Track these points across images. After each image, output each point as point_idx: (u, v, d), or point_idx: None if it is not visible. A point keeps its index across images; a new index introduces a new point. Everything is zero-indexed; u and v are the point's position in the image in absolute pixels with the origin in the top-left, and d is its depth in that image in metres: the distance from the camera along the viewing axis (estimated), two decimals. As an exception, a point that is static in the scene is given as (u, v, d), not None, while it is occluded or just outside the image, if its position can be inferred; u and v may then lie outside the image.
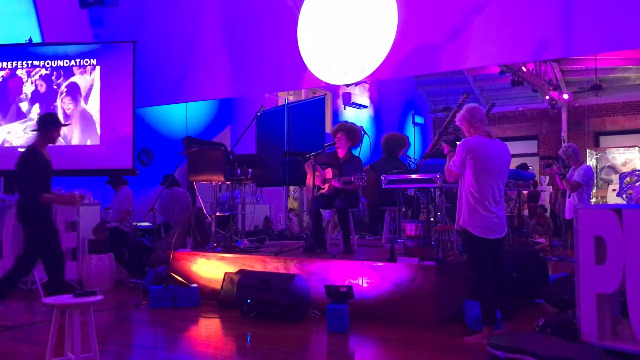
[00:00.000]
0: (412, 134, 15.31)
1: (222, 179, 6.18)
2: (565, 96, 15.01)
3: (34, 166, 5.00)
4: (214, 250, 6.09)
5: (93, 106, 6.95)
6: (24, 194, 5.05)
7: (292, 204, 11.13)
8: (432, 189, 5.39)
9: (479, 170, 4.05)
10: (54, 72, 7.01)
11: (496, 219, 4.08)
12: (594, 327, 3.68)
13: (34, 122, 6.93)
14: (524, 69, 12.92)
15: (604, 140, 15.56)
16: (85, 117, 6.96)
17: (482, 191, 4.05)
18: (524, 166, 9.36)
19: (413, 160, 6.73)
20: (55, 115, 5.26)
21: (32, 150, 5.04)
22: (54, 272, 5.09)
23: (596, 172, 13.55)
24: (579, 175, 6.39)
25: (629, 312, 3.56)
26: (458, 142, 4.23)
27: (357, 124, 6.54)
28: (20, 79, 6.99)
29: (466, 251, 4.33)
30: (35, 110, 6.96)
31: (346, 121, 7.06)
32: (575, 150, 6.65)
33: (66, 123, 5.31)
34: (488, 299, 4.12)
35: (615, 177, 12.99)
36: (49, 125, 5.07)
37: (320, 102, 8.77)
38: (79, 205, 5.51)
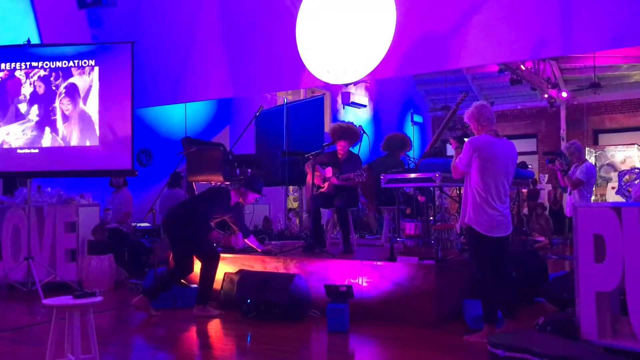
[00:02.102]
0: (411, 133, 15.30)
1: (221, 179, 6.18)
2: (564, 94, 15.00)
3: (222, 206, 5.50)
4: (214, 250, 6.09)
5: (92, 107, 6.94)
6: (199, 218, 5.35)
7: (292, 203, 11.13)
8: (432, 188, 5.39)
9: (484, 169, 4.05)
10: (53, 73, 6.99)
11: (501, 217, 4.09)
12: (594, 325, 3.68)
13: (33, 123, 6.95)
14: (522, 67, 12.92)
15: (602, 138, 15.55)
16: (84, 118, 6.95)
17: (488, 189, 4.05)
18: (522, 164, 9.33)
19: (412, 159, 6.72)
20: (260, 182, 5.74)
21: (228, 194, 5.54)
22: (167, 283, 5.41)
23: (595, 170, 13.55)
24: (581, 172, 6.39)
25: (629, 310, 3.56)
26: (466, 139, 4.24)
27: (353, 123, 6.53)
28: (19, 80, 6.98)
29: (470, 249, 4.33)
30: (34, 111, 6.95)
31: (342, 121, 7.01)
32: (578, 148, 6.65)
33: (262, 195, 5.77)
34: (490, 297, 4.12)
35: (614, 175, 12.97)
36: (252, 187, 5.59)
37: (319, 101, 8.77)
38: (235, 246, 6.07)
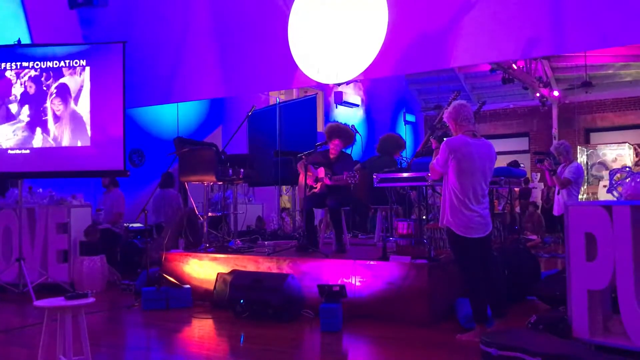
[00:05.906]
0: (404, 132, 15.33)
1: (213, 179, 6.17)
2: (556, 93, 15.08)
3: None
4: (207, 250, 6.08)
5: (83, 107, 6.91)
6: None
7: (285, 203, 11.12)
8: (424, 187, 5.40)
9: (461, 170, 4.05)
10: (44, 74, 6.96)
11: (479, 217, 4.08)
12: (586, 323, 3.70)
13: (24, 123, 6.91)
14: (514, 66, 12.97)
15: (594, 136, 15.65)
16: (76, 118, 6.92)
17: (464, 191, 4.05)
18: (514, 163, 9.38)
19: (405, 158, 6.73)
20: None
21: None
22: None
23: (587, 168, 13.62)
24: (569, 172, 6.43)
25: (620, 308, 3.58)
26: (446, 138, 4.24)
27: (347, 123, 6.54)
28: (9, 80, 6.94)
29: (451, 250, 4.34)
30: (25, 111, 6.91)
31: (336, 121, 7.01)
32: (567, 148, 6.69)
33: None
34: (477, 297, 4.13)
35: (605, 174, 13.05)
36: None
37: (311, 101, 8.77)
38: None
